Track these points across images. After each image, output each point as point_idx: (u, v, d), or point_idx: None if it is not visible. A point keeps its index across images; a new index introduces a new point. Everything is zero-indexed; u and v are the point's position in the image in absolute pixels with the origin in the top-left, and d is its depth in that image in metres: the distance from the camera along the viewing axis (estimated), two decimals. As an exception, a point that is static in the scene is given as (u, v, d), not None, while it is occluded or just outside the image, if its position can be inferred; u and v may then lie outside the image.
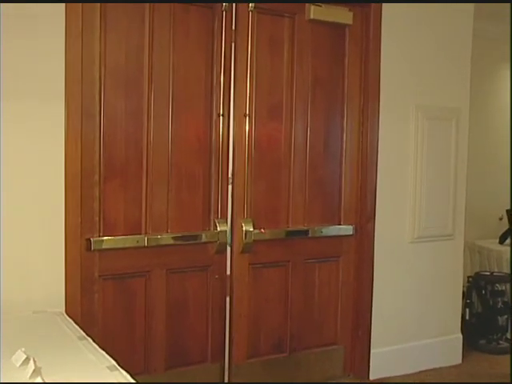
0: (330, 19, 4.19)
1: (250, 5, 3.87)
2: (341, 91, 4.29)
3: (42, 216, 3.17)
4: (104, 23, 3.35)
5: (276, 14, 4.02)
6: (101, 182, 3.38)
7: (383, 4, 4.23)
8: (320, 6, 4.13)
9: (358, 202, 4.34)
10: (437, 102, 4.56)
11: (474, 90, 5.03)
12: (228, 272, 3.94)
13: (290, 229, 4.11)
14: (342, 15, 4.23)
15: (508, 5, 5.00)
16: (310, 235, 4.18)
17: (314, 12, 4.11)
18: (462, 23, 4.66)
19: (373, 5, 4.21)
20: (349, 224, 4.32)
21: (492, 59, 5.98)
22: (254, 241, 3.93)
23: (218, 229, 3.79)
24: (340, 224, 4.31)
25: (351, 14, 4.22)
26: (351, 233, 4.32)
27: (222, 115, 3.79)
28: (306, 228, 4.16)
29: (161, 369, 3.69)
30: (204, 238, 3.78)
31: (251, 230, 3.92)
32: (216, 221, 3.81)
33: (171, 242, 3.66)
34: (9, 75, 3.02)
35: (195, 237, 3.76)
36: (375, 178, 4.30)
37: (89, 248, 3.34)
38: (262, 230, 3.98)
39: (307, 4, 4.07)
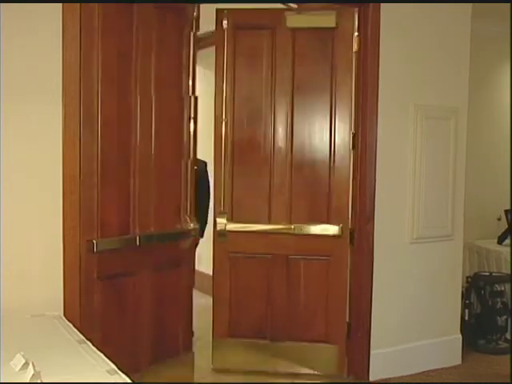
0: (310, 25, 4.33)
1: (224, 22, 4.29)
2: (329, 93, 4.36)
3: (40, 219, 3.15)
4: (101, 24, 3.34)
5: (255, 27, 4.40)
6: (98, 183, 3.37)
7: (382, 4, 4.22)
8: (298, 14, 4.32)
9: (355, 203, 4.34)
10: (436, 101, 4.55)
11: (473, 89, 5.03)
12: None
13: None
14: (323, 20, 4.32)
15: (506, 3, 5.01)
16: (292, 232, 4.38)
17: (290, 21, 4.31)
18: (461, 23, 4.66)
19: (371, 5, 4.20)
20: (336, 224, 4.36)
21: (491, 57, 5.97)
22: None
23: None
24: (327, 223, 4.38)
25: (333, 17, 4.27)
26: (338, 233, 4.35)
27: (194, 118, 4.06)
28: (288, 226, 4.38)
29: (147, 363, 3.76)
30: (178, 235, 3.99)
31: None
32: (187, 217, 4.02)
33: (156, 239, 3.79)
34: (6, 76, 3.00)
35: (172, 234, 3.94)
36: (374, 179, 4.29)
37: (90, 249, 3.31)
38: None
39: (285, 13, 4.30)
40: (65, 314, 3.13)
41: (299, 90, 4.37)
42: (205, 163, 5.10)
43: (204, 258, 6.12)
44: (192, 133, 4.03)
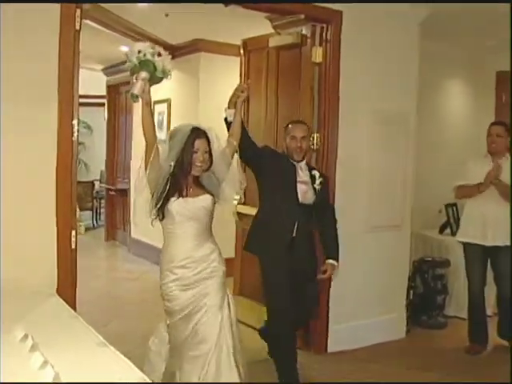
0: (285, 43, 4.53)
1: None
2: (297, 103, 4.47)
3: (39, 212, 3.15)
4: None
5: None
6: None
7: (343, 22, 4.29)
8: (278, 34, 4.56)
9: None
10: (389, 106, 4.62)
11: (424, 98, 5.13)
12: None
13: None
14: (291, 37, 4.44)
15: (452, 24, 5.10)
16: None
17: (271, 42, 4.68)
18: (410, 42, 4.76)
19: (334, 21, 4.25)
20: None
21: (439, 73, 6.08)
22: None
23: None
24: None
25: (299, 34, 4.36)
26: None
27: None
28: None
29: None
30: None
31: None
32: None
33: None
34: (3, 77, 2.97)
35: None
36: (334, 176, 4.33)
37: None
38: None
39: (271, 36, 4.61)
40: (58, 292, 3.12)
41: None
42: None
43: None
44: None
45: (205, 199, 2.98)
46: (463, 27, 5.31)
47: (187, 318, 2.94)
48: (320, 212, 3.77)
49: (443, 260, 5.48)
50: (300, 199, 3.64)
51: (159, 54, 2.87)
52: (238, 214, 5.06)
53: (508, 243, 4.44)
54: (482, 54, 6.21)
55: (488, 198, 4.44)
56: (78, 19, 3.18)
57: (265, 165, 3.62)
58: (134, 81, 2.85)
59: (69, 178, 3.21)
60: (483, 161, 4.55)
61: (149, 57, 2.82)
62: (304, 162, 3.77)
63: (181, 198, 2.91)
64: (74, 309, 2.99)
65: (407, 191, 4.82)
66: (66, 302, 2.85)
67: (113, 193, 8.82)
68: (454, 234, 5.49)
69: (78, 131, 3.25)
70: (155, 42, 6.17)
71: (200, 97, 6.51)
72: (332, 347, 4.47)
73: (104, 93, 9.01)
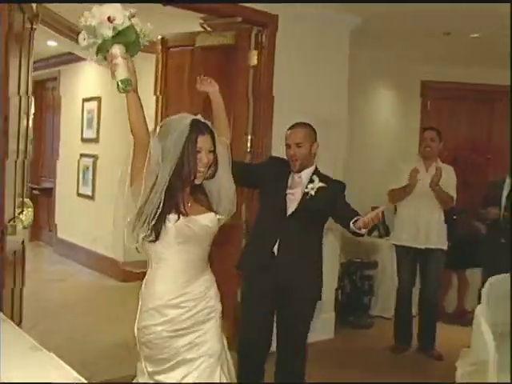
0: (215, 43, 4.44)
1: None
2: (230, 105, 4.32)
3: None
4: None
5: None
6: None
7: (279, 27, 4.33)
8: (209, 34, 4.47)
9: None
10: (321, 110, 4.68)
11: (355, 102, 5.25)
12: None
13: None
14: (224, 38, 4.39)
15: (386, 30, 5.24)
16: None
17: (200, 40, 4.51)
18: (342, 48, 4.86)
19: (270, 25, 4.28)
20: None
21: (370, 79, 6.23)
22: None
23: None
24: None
25: (232, 35, 4.34)
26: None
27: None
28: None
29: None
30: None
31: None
32: None
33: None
34: None
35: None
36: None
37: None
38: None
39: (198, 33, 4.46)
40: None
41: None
42: None
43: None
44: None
45: (209, 217, 2.35)
46: (392, 38, 5.50)
47: (176, 366, 2.31)
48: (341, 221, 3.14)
49: (371, 261, 5.61)
50: (289, 212, 3.17)
51: (133, 15, 2.15)
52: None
53: (440, 246, 4.62)
54: (408, 63, 6.43)
55: (421, 202, 4.60)
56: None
57: (262, 180, 3.31)
58: (107, 62, 2.14)
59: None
60: (416, 165, 4.70)
61: (127, 23, 2.10)
62: (308, 171, 3.28)
63: (181, 216, 2.26)
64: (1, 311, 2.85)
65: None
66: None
67: (37, 192, 8.52)
68: (381, 236, 5.64)
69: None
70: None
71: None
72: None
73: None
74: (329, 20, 4.61)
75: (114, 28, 2.07)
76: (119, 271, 6.07)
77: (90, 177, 7.00)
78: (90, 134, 7.02)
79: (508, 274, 3.44)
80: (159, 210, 2.21)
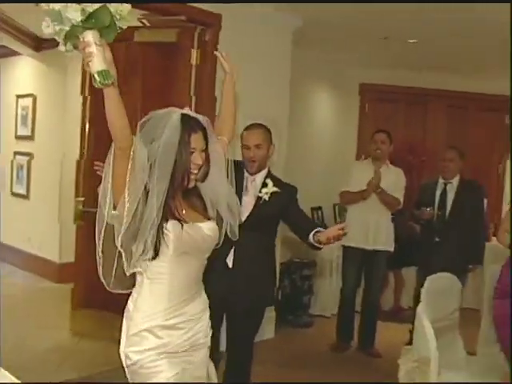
0: (155, 39, 4.30)
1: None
2: (170, 104, 4.30)
3: None
4: None
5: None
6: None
7: (222, 27, 4.31)
8: (148, 29, 4.33)
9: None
10: (261, 113, 4.68)
11: (295, 103, 5.28)
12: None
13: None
14: (166, 35, 4.29)
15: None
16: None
17: (138, 35, 4.31)
18: (283, 50, 4.88)
19: (213, 25, 4.26)
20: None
21: (310, 80, 6.29)
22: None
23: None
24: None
25: (174, 33, 4.25)
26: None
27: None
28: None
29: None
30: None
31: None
32: None
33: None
34: None
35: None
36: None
37: None
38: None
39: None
40: None
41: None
42: None
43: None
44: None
45: (210, 225, 2.10)
46: (332, 40, 5.58)
47: None
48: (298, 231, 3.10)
49: (310, 261, 5.66)
50: (243, 218, 2.83)
51: None
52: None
53: (387, 248, 4.72)
54: (347, 66, 6.54)
55: (370, 205, 4.67)
56: None
57: None
58: (80, 51, 1.80)
59: None
60: (366, 167, 4.77)
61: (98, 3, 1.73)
62: (262, 173, 3.19)
63: (180, 223, 1.99)
64: None
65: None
66: None
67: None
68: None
69: None
70: (20, 32, 5.83)
71: (67, 92, 6.22)
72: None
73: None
74: (271, 21, 4.62)
75: (83, 10, 1.71)
76: (54, 272, 5.91)
77: (25, 175, 6.75)
78: (24, 131, 6.77)
79: (445, 273, 3.53)
80: (156, 222, 1.92)
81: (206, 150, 2.06)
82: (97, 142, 4.44)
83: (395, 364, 3.35)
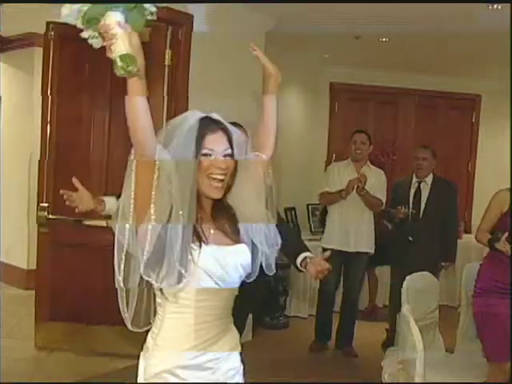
0: None
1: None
2: None
3: None
4: None
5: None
6: None
7: (194, 27, 4.26)
8: None
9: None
10: (235, 114, 4.62)
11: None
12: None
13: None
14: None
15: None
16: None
17: None
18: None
19: (185, 25, 4.21)
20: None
21: (283, 79, 6.22)
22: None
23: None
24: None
25: (147, 32, 4.15)
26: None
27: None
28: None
29: None
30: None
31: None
32: None
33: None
34: None
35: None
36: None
37: None
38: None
39: None
40: None
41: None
42: None
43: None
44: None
45: (243, 249, 1.76)
46: (304, 39, 5.54)
47: None
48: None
49: (285, 262, 5.60)
50: None
51: None
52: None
53: (368, 250, 4.71)
54: (318, 65, 6.53)
55: (351, 206, 4.65)
56: None
57: None
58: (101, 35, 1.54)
59: None
60: (346, 168, 4.76)
61: None
62: None
63: (206, 246, 1.67)
64: None
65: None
66: None
67: None
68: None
69: None
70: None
71: (34, 95, 6.06)
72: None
73: None
74: (245, 20, 4.58)
75: None
76: (22, 279, 5.76)
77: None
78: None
79: (424, 272, 3.54)
80: (183, 242, 1.61)
81: (231, 156, 1.73)
82: (59, 142, 4.30)
83: (372, 362, 3.36)
